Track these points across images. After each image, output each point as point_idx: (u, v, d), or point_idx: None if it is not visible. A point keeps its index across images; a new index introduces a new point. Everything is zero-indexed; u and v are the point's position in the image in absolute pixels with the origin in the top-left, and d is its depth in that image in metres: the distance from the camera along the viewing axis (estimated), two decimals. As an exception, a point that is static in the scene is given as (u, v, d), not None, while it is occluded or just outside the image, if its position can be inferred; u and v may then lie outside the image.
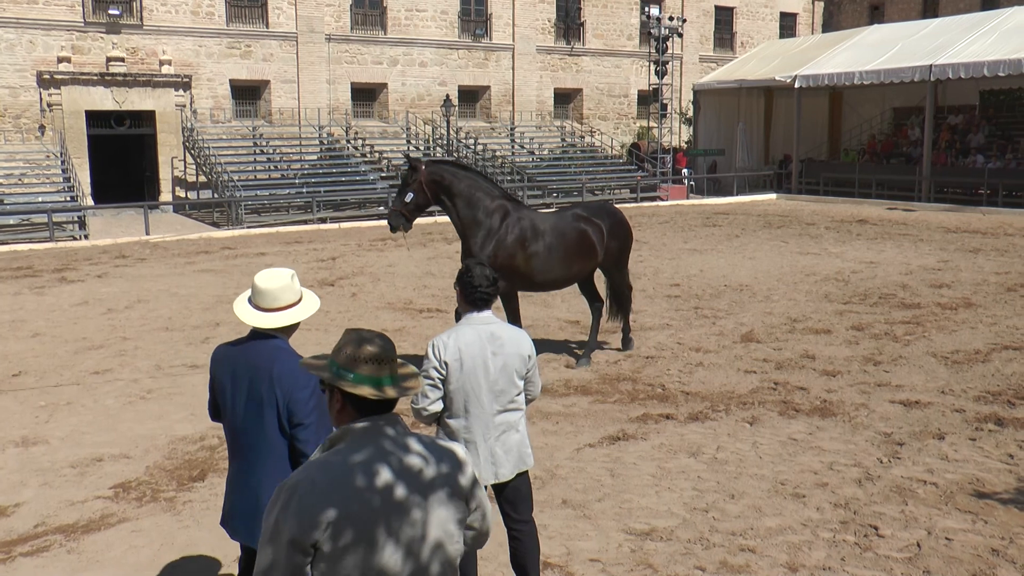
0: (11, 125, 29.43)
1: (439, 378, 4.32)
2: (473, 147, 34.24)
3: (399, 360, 2.70)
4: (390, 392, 2.58)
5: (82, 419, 8.30)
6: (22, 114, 29.69)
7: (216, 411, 4.02)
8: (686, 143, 40.22)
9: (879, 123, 35.26)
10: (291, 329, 3.90)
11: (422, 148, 34.67)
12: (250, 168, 30.20)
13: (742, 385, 9.06)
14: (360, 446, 2.51)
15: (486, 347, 4.34)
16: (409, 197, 8.92)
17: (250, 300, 3.82)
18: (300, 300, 3.86)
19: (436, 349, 4.31)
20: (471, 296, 4.39)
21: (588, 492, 6.41)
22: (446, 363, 4.30)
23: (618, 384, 9.18)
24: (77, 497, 6.53)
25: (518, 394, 4.47)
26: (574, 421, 7.90)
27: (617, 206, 11.19)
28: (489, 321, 4.42)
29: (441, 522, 2.54)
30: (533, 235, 9.16)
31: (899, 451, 7.09)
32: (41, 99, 29.72)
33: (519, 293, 9.57)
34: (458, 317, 4.66)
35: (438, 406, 4.36)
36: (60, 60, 29.82)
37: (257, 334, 3.82)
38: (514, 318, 9.27)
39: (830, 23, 46.17)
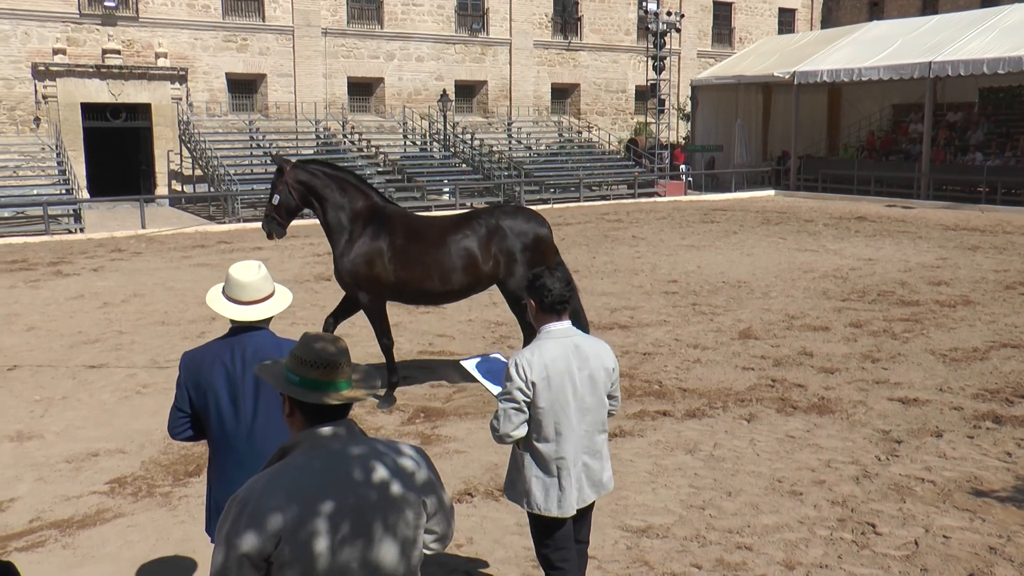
0: (6, 117, 29.38)
1: (524, 400, 3.99)
2: (470, 142, 34.21)
3: (354, 364, 2.67)
4: (338, 399, 2.54)
5: (77, 413, 8.30)
6: (17, 106, 29.64)
7: (196, 426, 3.77)
8: (684, 139, 40.23)
9: (878, 120, 35.30)
10: (267, 322, 3.84)
11: (419, 143, 34.66)
12: (246, 162, 30.15)
13: (740, 382, 9.07)
14: (312, 454, 2.47)
15: (572, 362, 4.04)
16: (276, 199, 8.37)
17: (225, 294, 3.74)
18: (274, 291, 3.82)
19: (520, 369, 3.98)
20: (547, 303, 4.06)
21: (585, 489, 6.40)
22: (533, 383, 3.97)
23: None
24: (72, 492, 6.52)
25: (604, 411, 4.23)
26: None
27: (536, 208, 10.15)
28: (571, 333, 4.12)
29: (400, 527, 2.49)
30: (401, 241, 8.36)
31: (897, 449, 7.10)
32: (36, 91, 29.64)
33: (413, 306, 9.37)
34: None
35: (523, 430, 4.04)
36: (55, 52, 29.76)
37: (240, 328, 3.73)
38: (383, 334, 8.59)
39: (829, 19, 46.17)
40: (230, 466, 3.73)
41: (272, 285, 3.80)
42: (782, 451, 7.10)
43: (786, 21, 46.23)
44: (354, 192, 8.46)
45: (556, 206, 29.33)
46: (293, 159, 8.73)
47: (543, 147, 36.41)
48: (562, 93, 40.43)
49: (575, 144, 37.22)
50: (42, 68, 29.52)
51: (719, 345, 10.61)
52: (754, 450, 7.13)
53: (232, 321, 3.73)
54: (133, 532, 5.85)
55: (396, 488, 2.50)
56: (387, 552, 2.46)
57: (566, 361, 4.03)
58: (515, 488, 4.24)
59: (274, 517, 2.34)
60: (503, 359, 4.55)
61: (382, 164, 31.38)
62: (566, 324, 4.12)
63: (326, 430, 2.51)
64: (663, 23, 33.16)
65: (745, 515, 5.92)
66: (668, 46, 34.11)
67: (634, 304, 13.11)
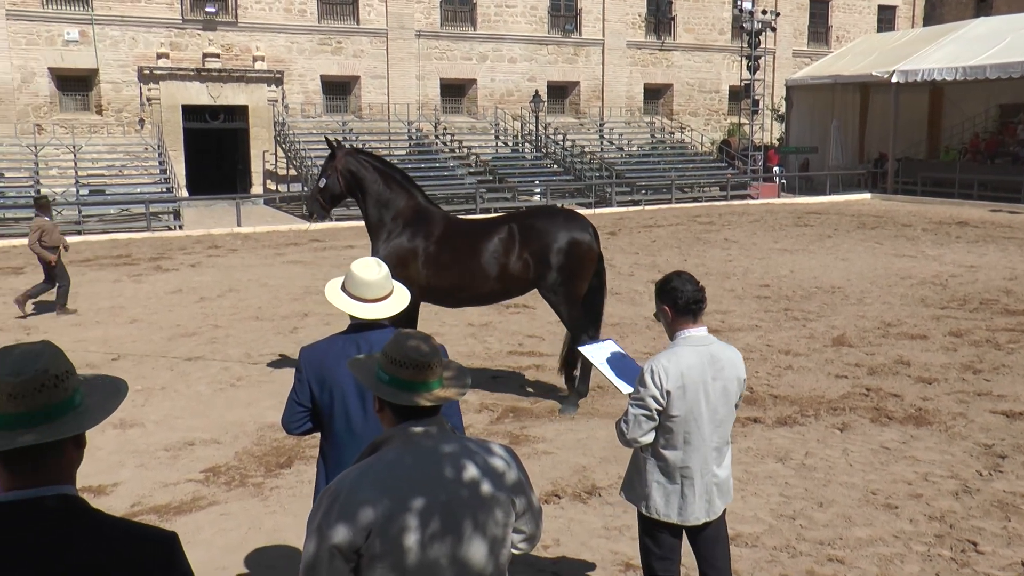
0: (113, 119, 30.53)
1: (656, 409, 3.89)
2: (562, 143, 34.21)
3: (446, 361, 2.66)
4: (430, 399, 2.54)
5: (175, 404, 8.57)
6: (124, 108, 30.80)
7: (315, 419, 3.71)
8: (778, 140, 39.49)
9: (983, 121, 34.04)
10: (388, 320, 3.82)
11: (510, 144, 34.80)
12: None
13: (832, 390, 8.86)
14: (404, 450, 2.48)
15: (707, 371, 3.92)
16: (323, 183, 8.45)
17: (346, 291, 3.73)
18: (394, 290, 3.81)
19: (656, 376, 3.86)
20: (682, 305, 3.92)
21: (672, 493, 6.33)
22: (668, 392, 3.86)
23: (704, 385, 9.05)
24: (170, 479, 6.74)
25: (732, 421, 4.10)
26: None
27: (580, 213, 8.92)
28: (708, 340, 3.98)
29: (489, 526, 2.48)
30: (437, 242, 8.24)
31: (1001, 464, 6.84)
32: (141, 94, 30.79)
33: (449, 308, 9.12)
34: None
35: (650, 437, 3.95)
36: (159, 56, 30.85)
37: (364, 325, 3.68)
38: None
39: (932, 16, 44.77)
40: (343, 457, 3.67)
41: (392, 283, 3.80)
42: (876, 462, 6.91)
43: (886, 19, 44.99)
44: (399, 190, 8.39)
45: (648, 208, 29.12)
46: (342, 147, 8.66)
47: (635, 148, 36.18)
48: (655, 93, 40.11)
49: (667, 145, 36.88)
50: (147, 72, 30.64)
51: (811, 352, 10.38)
52: (847, 460, 6.95)
53: (352, 318, 3.71)
54: (226, 520, 6.01)
55: (486, 487, 2.50)
56: (476, 550, 2.46)
57: (701, 370, 3.90)
58: (634, 490, 4.16)
59: (365, 510, 2.36)
60: (618, 347, 4.47)
61: (474, 165, 31.59)
62: (703, 330, 3.98)
63: (418, 428, 2.53)
64: (758, 22, 32.61)
65: (837, 527, 5.77)
66: (763, 45, 33.56)
67: (725, 308, 12.92)
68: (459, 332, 11.24)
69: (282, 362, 10.21)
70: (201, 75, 31.29)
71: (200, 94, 31.42)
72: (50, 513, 1.88)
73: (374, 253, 8.32)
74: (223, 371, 9.73)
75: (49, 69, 30.09)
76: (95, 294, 14.67)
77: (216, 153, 34.03)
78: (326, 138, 9.29)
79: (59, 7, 30.02)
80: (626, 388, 4.20)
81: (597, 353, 4.44)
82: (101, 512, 1.96)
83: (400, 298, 3.77)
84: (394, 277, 8.39)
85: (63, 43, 30.00)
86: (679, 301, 3.92)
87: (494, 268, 8.18)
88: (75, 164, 28.21)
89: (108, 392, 2.06)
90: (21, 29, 29.57)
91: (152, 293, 14.66)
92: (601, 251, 8.49)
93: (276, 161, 32.42)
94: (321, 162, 29.34)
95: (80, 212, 24.43)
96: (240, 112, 32.40)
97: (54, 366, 1.93)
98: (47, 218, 13.52)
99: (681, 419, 3.89)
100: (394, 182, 8.41)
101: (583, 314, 8.34)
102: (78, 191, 26.21)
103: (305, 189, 28.83)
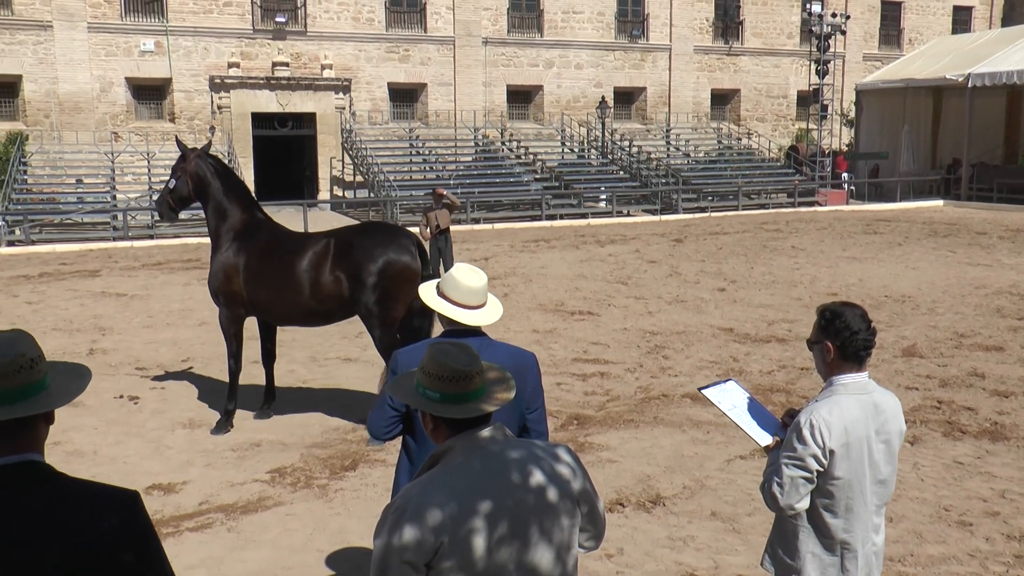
0: (185, 126, 31.26)
1: (817, 470, 3.32)
2: (628, 149, 34.06)
3: (488, 366, 2.63)
4: (479, 409, 2.50)
5: (242, 405, 8.70)
6: (195, 116, 31.53)
7: (407, 422, 3.71)
8: (847, 146, 38.77)
9: (1064, 126, 33.04)
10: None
11: (576, 150, 34.77)
12: (406, 168, 31.00)
13: (903, 402, 8.65)
14: (471, 455, 2.46)
15: (870, 425, 3.40)
16: (172, 184, 8.24)
17: (444, 295, 3.70)
18: (488, 300, 3.78)
19: (818, 432, 3.29)
20: (851, 347, 3.36)
21: (738, 505, 6.25)
22: (831, 451, 3.30)
23: (771, 395, 8.93)
24: (237, 479, 6.85)
25: (894, 480, 3.58)
26: (725, 431, 7.73)
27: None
28: (870, 388, 3.43)
29: (555, 533, 2.47)
30: (259, 257, 7.97)
31: (1080, 478, 6.61)
32: (212, 102, 31.51)
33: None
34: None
35: (807, 502, 3.38)
36: (230, 65, 31.54)
37: (456, 331, 3.67)
38: (234, 355, 8.30)
39: (1011, 16, 43.55)
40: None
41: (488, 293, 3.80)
42: (949, 478, 6.72)
43: (961, 20, 43.91)
44: (235, 201, 8.18)
45: (714, 214, 28.84)
46: (193, 150, 8.40)
47: (701, 154, 35.87)
48: (722, 99, 39.73)
49: (734, 151, 36.49)
50: (218, 80, 31.32)
51: (881, 363, 10.15)
52: (918, 475, 6.78)
53: (449, 323, 3.71)
54: (292, 520, 6.09)
55: (552, 493, 2.48)
56: (542, 556, 2.44)
57: (865, 424, 3.39)
58: (781, 561, 3.58)
59: (433, 512, 2.35)
60: (741, 388, 3.96)
61: (540, 171, 31.63)
62: (864, 376, 3.44)
63: (484, 432, 2.51)
64: (827, 25, 32.08)
65: (908, 543, 5.63)
66: (832, 49, 33.00)
67: (792, 317, 12.72)
68: (524, 339, 11.24)
69: (346, 366, 10.32)
70: (270, 83, 31.87)
71: (269, 102, 32.00)
72: (23, 476, 2.14)
73: (210, 265, 8.19)
74: (289, 374, 9.87)
75: (126, 79, 30.95)
76: (166, 297, 15.01)
77: (284, 159, 34.61)
78: (176, 139, 9.08)
79: (136, 19, 30.86)
80: (764, 439, 3.67)
81: (722, 398, 3.98)
82: (66, 475, 2.20)
83: (496, 307, 3.77)
84: (222, 292, 8.08)
85: (139, 53, 30.85)
86: (848, 344, 3.36)
87: (309, 286, 7.81)
88: (148, 170, 28.93)
89: (73, 376, 2.31)
90: (101, 41, 30.47)
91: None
92: (431, 272, 8.02)
93: (343, 167, 32.84)
94: (388, 169, 29.80)
95: (153, 217, 25.03)
96: (308, 119, 32.91)
97: (30, 350, 2.19)
98: None
99: (844, 482, 3.35)
100: (232, 193, 8.19)
101: (399, 340, 7.76)
102: (151, 197, 26.87)
103: (371, 194, 29.17)
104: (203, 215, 8.56)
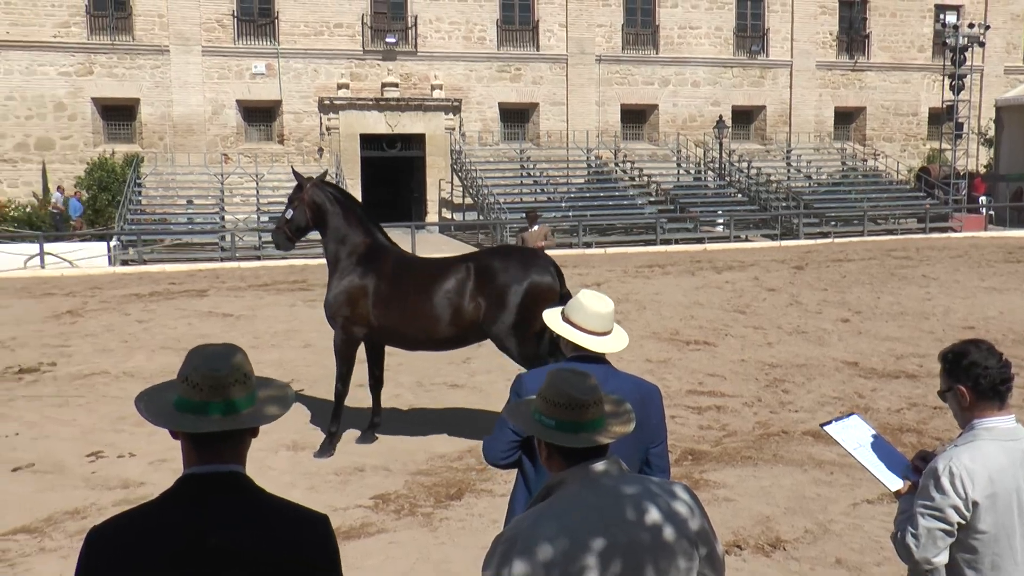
0: (294, 148, 32.23)
1: (958, 522, 3.10)
2: (746, 171, 33.59)
3: (608, 397, 2.62)
4: (593, 440, 2.49)
5: (346, 428, 8.83)
6: (304, 137, 32.48)
7: (527, 448, 3.68)
8: (985, 167, 37.34)
9: None
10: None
11: (692, 172, 34.48)
12: (516, 190, 31.26)
13: (1053, 442, 8.19)
14: (579, 493, 2.44)
15: (1019, 474, 3.13)
16: (289, 214, 8.47)
17: (569, 320, 3.70)
18: (614, 327, 3.76)
19: (959, 481, 3.08)
20: (985, 387, 3.16)
21: (865, 553, 5.99)
22: (975, 502, 3.07)
23: (901, 436, 8.59)
24: (340, 504, 6.93)
25: None
26: (850, 473, 7.44)
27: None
28: (1018, 434, 3.18)
29: (675, 571, 2.42)
30: (390, 281, 8.16)
31: None
32: (321, 123, 32.45)
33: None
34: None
35: (945, 557, 3.16)
36: (339, 87, 32.43)
37: (584, 358, 3.64)
38: (342, 379, 8.44)
39: None
40: None
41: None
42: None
43: (1116, 34, 41.88)
44: (356, 225, 8.37)
45: (837, 240, 28.14)
46: (310, 179, 8.63)
47: (824, 176, 35.12)
48: (846, 117, 38.80)
49: (859, 173, 35.59)
50: (327, 102, 32.23)
51: (1027, 400, 9.66)
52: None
53: (573, 349, 3.69)
54: (395, 548, 6.11)
55: (669, 532, 2.42)
56: None
57: (1013, 473, 3.12)
58: None
59: (544, 547, 2.32)
60: (867, 425, 3.81)
61: (654, 193, 31.48)
62: (1010, 419, 3.18)
63: (599, 465, 2.49)
64: (963, 37, 31.04)
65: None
66: (968, 62, 31.90)
67: (923, 351, 12.24)
68: (637, 368, 11.11)
69: (452, 392, 10.39)
70: (379, 104, 32.61)
71: (378, 123, 32.74)
72: (229, 486, 2.31)
73: (329, 290, 8.35)
74: (394, 398, 9.98)
75: (237, 101, 32.15)
76: (272, 318, 15.42)
77: (392, 181, 35.30)
78: (292, 170, 9.29)
79: (249, 42, 32.07)
80: (894, 483, 3.45)
81: (846, 435, 3.78)
82: (264, 491, 2.34)
83: (622, 335, 3.76)
84: (343, 315, 8.20)
85: (250, 76, 32.03)
86: (981, 381, 3.15)
87: (448, 312, 8.01)
88: (257, 191, 29.93)
89: (278, 394, 2.45)
90: (214, 64, 31.75)
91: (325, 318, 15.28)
92: (568, 291, 7.97)
93: (452, 189, 33.30)
94: (498, 191, 30.08)
95: (260, 238, 25.82)
96: (417, 140, 33.53)
97: (244, 364, 2.36)
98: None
99: (990, 536, 3.11)
100: (353, 217, 8.39)
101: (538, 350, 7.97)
102: (259, 218, 27.76)
103: (480, 217, 29.46)
104: (309, 238, 8.82)
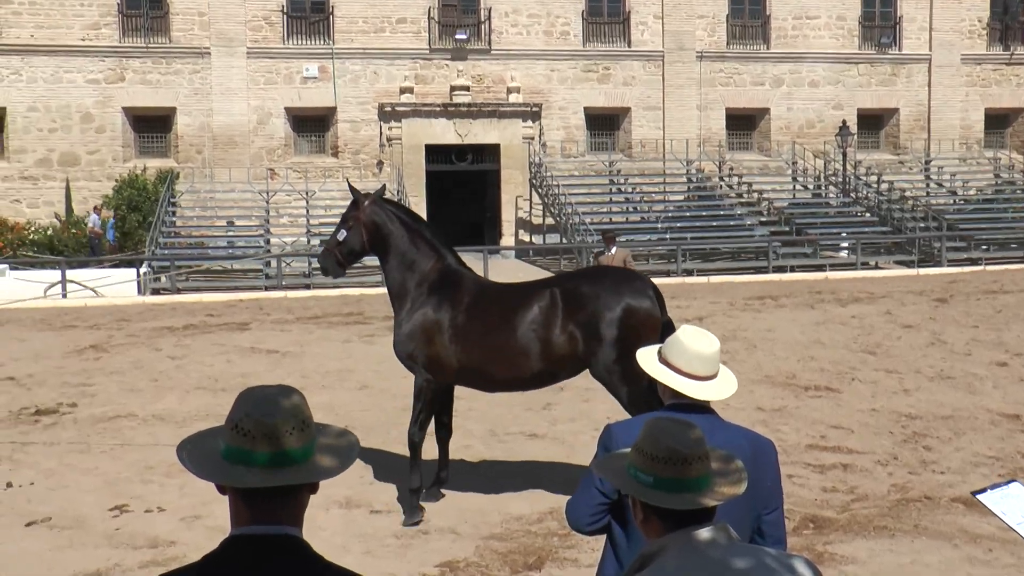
0: (349, 161, 32.71)
1: None
2: (876, 186, 33.11)
3: (716, 452, 2.63)
4: (697, 502, 2.49)
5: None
6: (361, 149, 32.99)
7: (617, 511, 3.65)
8: None
9: None
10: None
11: (811, 187, 34.09)
12: (604, 209, 31.34)
13: None
14: (680, 565, 2.42)
15: None
16: (342, 235, 8.41)
17: (666, 361, 3.69)
18: (719, 370, 3.75)
19: None
20: None
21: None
22: None
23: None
24: (401, 572, 6.91)
25: None
26: (1014, 550, 7.19)
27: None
28: None
29: None
30: (468, 312, 8.11)
31: None
32: (381, 133, 32.92)
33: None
34: None
35: None
36: (402, 91, 32.90)
37: (680, 406, 3.64)
38: (421, 425, 8.34)
39: None
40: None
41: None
42: None
43: None
44: (425, 249, 8.33)
45: (989, 268, 27.52)
46: (367, 195, 8.55)
47: (972, 191, 34.48)
48: (999, 121, 37.97)
49: (1016, 187, 34.78)
50: (388, 108, 32.72)
51: None
52: None
53: (672, 395, 3.68)
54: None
55: None
56: None
57: None
58: None
59: None
60: None
61: (765, 212, 31.22)
62: None
63: (704, 533, 2.47)
64: None
65: None
66: None
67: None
68: (746, 418, 10.94)
69: (531, 443, 10.33)
70: (448, 111, 32.97)
71: (446, 132, 33.08)
72: (280, 550, 2.29)
73: (397, 327, 8.30)
74: (464, 449, 9.95)
75: (285, 109, 32.84)
76: (322, 355, 15.58)
77: (462, 199, 35.59)
78: (348, 184, 9.26)
79: (300, 41, 32.78)
80: None
81: (1007, 506, 3.74)
82: (323, 558, 2.35)
83: (729, 379, 3.73)
84: (422, 354, 8.12)
85: (301, 80, 32.71)
86: None
87: (535, 343, 7.95)
88: (307, 211, 30.45)
89: (342, 444, 2.45)
90: (260, 67, 32.51)
91: (385, 356, 15.20)
92: (670, 319, 7.95)
93: (530, 208, 33.45)
94: (584, 210, 30.07)
95: (310, 264, 26.21)
96: (490, 152, 33.81)
97: (303, 409, 2.35)
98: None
99: None
100: (421, 239, 8.34)
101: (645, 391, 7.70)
102: (309, 241, 28.18)
103: (563, 240, 29.48)
104: (364, 263, 8.85)
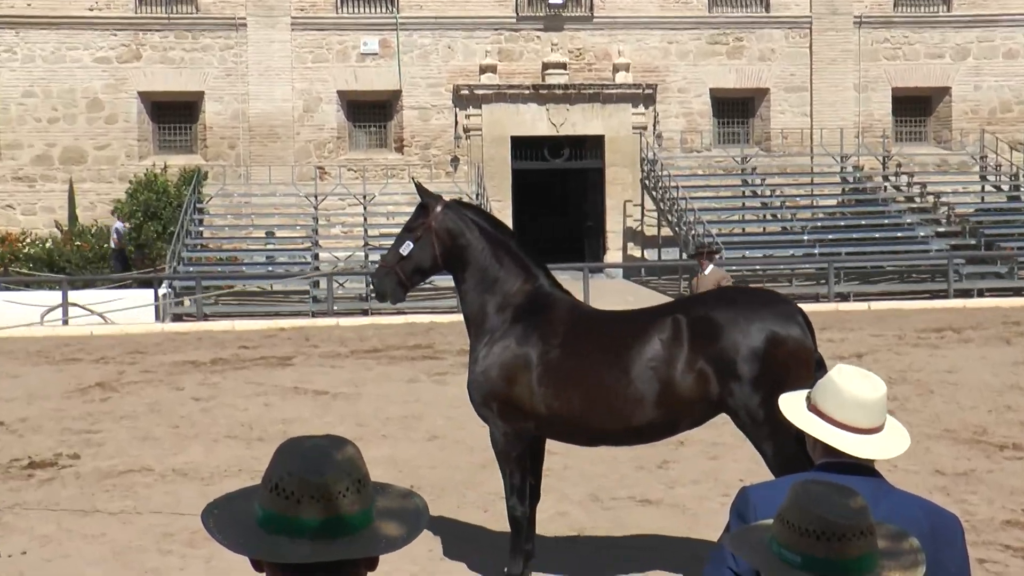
0: (417, 157, 32.89)
1: None
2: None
3: (883, 526, 2.64)
4: None
5: (491, 561, 8.74)
6: (432, 143, 33.16)
7: None
8: None
9: None
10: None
11: (1006, 188, 33.51)
12: (735, 217, 31.12)
13: None
14: None
15: None
16: (407, 249, 8.22)
17: (818, 410, 3.67)
18: (886, 420, 3.71)
19: None
20: None
21: None
22: None
23: None
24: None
25: None
26: None
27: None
28: None
29: None
30: (562, 346, 7.94)
31: None
32: (456, 123, 33.05)
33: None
34: None
35: None
36: (483, 70, 33.09)
37: (842, 465, 3.63)
38: (515, 491, 8.21)
39: None
40: None
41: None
42: None
43: None
44: (511, 265, 8.20)
45: None
46: (440, 198, 8.40)
47: None
48: None
49: None
50: (464, 92, 32.90)
51: None
52: None
53: (825, 452, 3.66)
54: None
55: None
56: None
57: None
58: None
59: None
60: None
61: (944, 221, 30.77)
62: None
63: None
64: None
65: None
66: None
67: None
68: (920, 483, 10.72)
69: (642, 510, 10.21)
70: (539, 94, 33.06)
71: (537, 120, 33.17)
72: None
73: (473, 362, 8.14)
74: (558, 517, 9.88)
75: (338, 93, 33.19)
76: (383, 396, 15.65)
77: (556, 204, 35.58)
78: (416, 184, 8.95)
79: (356, 9, 33.12)
80: None
81: None
82: None
83: (899, 433, 3.69)
84: (499, 399, 8.01)
85: (358, 57, 33.08)
86: None
87: (652, 385, 7.70)
88: (364, 220, 30.68)
89: (407, 508, 2.43)
90: (307, 42, 32.96)
91: (460, 399, 15.17)
92: (821, 356, 7.76)
93: (642, 215, 33.35)
94: (709, 218, 29.85)
95: (368, 285, 26.26)
96: (592, 145, 33.91)
97: (358, 466, 2.33)
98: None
99: None
100: (506, 253, 8.21)
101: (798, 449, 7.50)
102: (367, 256, 28.32)
103: (685, 256, 29.28)
104: (435, 282, 8.78)
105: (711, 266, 16.48)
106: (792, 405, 3.72)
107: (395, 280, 8.35)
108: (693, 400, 7.74)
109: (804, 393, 3.72)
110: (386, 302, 8.91)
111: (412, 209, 8.69)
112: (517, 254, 8.30)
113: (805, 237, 29.53)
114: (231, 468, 11.57)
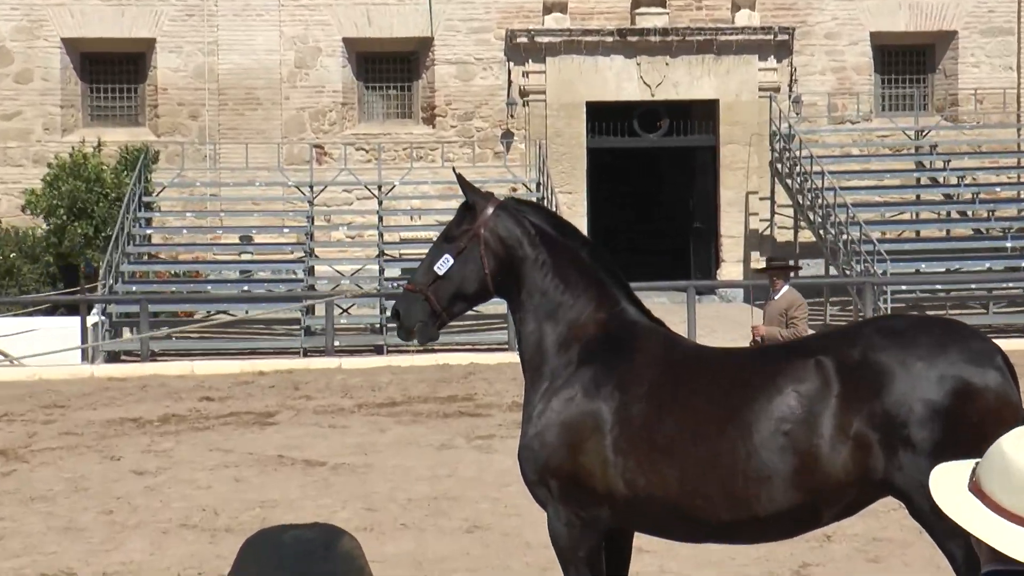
0: (454, 132, 32.88)
1: None
2: None
3: None
4: None
5: None
6: (474, 111, 33.12)
7: None
8: None
9: None
10: None
11: None
12: (906, 216, 30.99)
13: None
14: None
15: None
16: (445, 265, 8.16)
17: (989, 499, 3.50)
18: None
19: None
20: None
21: None
22: None
23: None
24: None
25: None
26: None
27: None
28: None
29: None
30: (649, 399, 7.82)
31: None
32: (510, 83, 32.88)
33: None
34: None
35: None
36: (547, 8, 33.06)
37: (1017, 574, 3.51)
38: None
39: None
40: None
41: None
42: None
43: None
44: (579, 283, 8.13)
45: None
46: (492, 197, 8.37)
47: None
48: None
49: None
50: (522, 39, 32.79)
51: None
52: None
53: (994, 557, 3.53)
54: None
55: None
56: None
57: None
58: None
59: None
60: None
61: None
62: None
63: None
64: None
65: None
66: None
67: None
68: None
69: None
70: (627, 42, 33.06)
71: (623, 79, 33.15)
72: None
73: (525, 418, 8.02)
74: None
75: (344, 41, 33.16)
76: (401, 471, 15.58)
77: (647, 195, 35.52)
78: (456, 175, 8.75)
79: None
80: None
81: None
82: None
83: None
84: (560, 471, 7.96)
85: (371, -8, 32.97)
86: None
87: (786, 458, 7.56)
88: (379, 220, 30.66)
89: None
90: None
91: (511, 472, 15.23)
92: None
93: (771, 212, 33.17)
94: (868, 217, 29.65)
95: (383, 312, 26.25)
96: (701, 114, 33.89)
97: (356, 569, 2.52)
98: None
99: None
100: (574, 266, 8.18)
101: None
102: (382, 271, 28.31)
103: (833, 270, 29.10)
104: (477, 311, 8.68)
105: (785, 287, 16.54)
106: (947, 482, 3.53)
107: (427, 310, 8.22)
108: (846, 479, 7.56)
109: (970, 464, 3.53)
110: (412, 340, 8.70)
111: (445, 205, 8.70)
112: (590, 268, 8.21)
113: (1008, 245, 29.32)
114: (187, 571, 11.51)
